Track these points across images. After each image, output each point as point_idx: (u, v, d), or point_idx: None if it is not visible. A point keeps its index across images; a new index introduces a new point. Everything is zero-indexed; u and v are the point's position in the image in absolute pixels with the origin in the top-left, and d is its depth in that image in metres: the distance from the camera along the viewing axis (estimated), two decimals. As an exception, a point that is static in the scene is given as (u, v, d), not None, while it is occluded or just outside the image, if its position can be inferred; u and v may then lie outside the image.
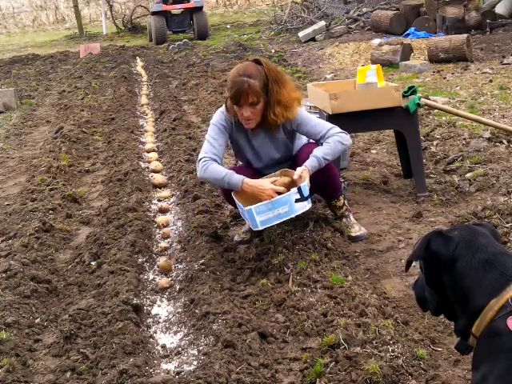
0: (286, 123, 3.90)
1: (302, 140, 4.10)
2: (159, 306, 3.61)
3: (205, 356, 2.93)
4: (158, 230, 4.63)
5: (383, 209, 4.57)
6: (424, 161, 4.99)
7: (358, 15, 15.15)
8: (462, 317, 1.92)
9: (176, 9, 17.50)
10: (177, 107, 8.47)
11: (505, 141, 5.44)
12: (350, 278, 3.48)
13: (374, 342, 2.82)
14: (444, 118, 6.45)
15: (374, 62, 9.45)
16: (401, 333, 2.94)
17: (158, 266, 4.03)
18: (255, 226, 3.65)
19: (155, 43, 16.89)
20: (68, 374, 2.88)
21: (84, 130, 7.50)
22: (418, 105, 4.54)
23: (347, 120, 4.54)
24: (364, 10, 15.42)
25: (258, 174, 4.06)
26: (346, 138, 3.89)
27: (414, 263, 2.12)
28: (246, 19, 22.11)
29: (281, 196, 3.56)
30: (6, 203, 5.33)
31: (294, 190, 3.60)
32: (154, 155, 6.37)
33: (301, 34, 14.14)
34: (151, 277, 3.94)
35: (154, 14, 17.34)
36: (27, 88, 11.37)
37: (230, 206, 4.78)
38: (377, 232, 4.20)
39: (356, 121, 4.58)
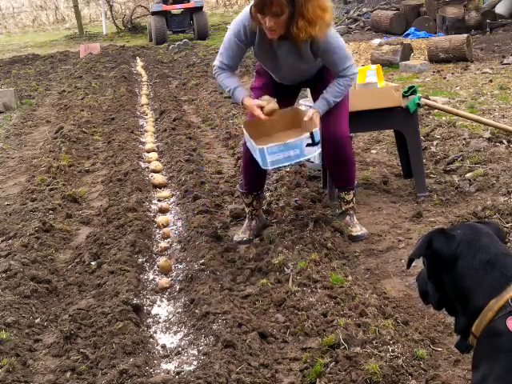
0: (314, 45, 3.80)
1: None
2: (159, 305, 3.61)
3: (205, 356, 2.93)
4: (157, 230, 4.63)
5: (383, 209, 4.57)
6: (424, 161, 4.99)
7: (358, 15, 15.16)
8: (462, 316, 1.92)
9: (176, 9, 17.50)
10: (177, 107, 8.48)
11: (505, 141, 5.44)
12: (349, 277, 3.49)
13: (374, 342, 2.82)
14: (444, 118, 6.45)
15: (374, 62, 9.44)
16: (401, 333, 2.94)
17: (157, 266, 4.03)
18: (265, 166, 3.68)
19: (155, 43, 16.89)
20: (68, 374, 2.88)
21: (84, 130, 7.50)
22: (418, 105, 4.54)
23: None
24: (364, 9, 15.42)
25: (275, 94, 3.97)
26: (355, 79, 3.99)
27: (414, 262, 2.12)
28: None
29: (293, 140, 3.58)
30: (6, 203, 5.33)
31: (307, 134, 3.61)
32: (153, 155, 6.37)
33: (301, 33, 14.12)
34: (151, 277, 3.94)
35: (154, 13, 17.34)
36: (27, 88, 11.37)
37: (230, 206, 4.78)
38: (377, 232, 4.20)
39: (356, 121, 4.57)
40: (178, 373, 2.88)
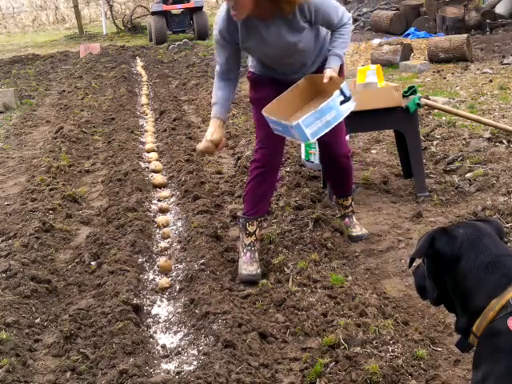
0: (304, 12, 3.45)
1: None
2: (159, 306, 3.61)
3: (205, 356, 2.93)
4: (157, 230, 4.63)
5: (383, 209, 4.57)
6: (424, 161, 4.99)
7: (358, 15, 15.16)
8: (463, 315, 1.92)
9: (176, 9, 17.51)
10: (177, 107, 8.48)
11: (505, 141, 5.44)
12: (349, 278, 3.49)
13: (374, 342, 2.82)
14: (444, 117, 6.45)
15: (374, 62, 9.44)
16: (401, 333, 2.94)
17: (157, 266, 4.03)
18: (306, 139, 3.41)
19: (155, 43, 16.90)
20: (68, 374, 2.88)
21: (84, 130, 7.50)
22: (418, 105, 4.54)
23: (347, 120, 4.53)
24: (364, 10, 15.43)
25: (277, 92, 3.68)
26: (351, 21, 3.72)
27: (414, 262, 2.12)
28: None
29: (326, 102, 3.31)
30: (6, 203, 5.33)
31: (337, 92, 3.33)
32: (153, 155, 6.37)
33: (301, 34, 14.13)
34: (151, 277, 3.94)
35: (154, 13, 17.35)
36: (27, 88, 11.37)
37: (230, 206, 4.78)
38: (377, 232, 4.20)
39: (356, 121, 4.57)
40: (178, 373, 2.88)
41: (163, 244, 4.35)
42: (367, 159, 5.69)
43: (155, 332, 3.33)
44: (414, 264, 2.10)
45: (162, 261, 4.04)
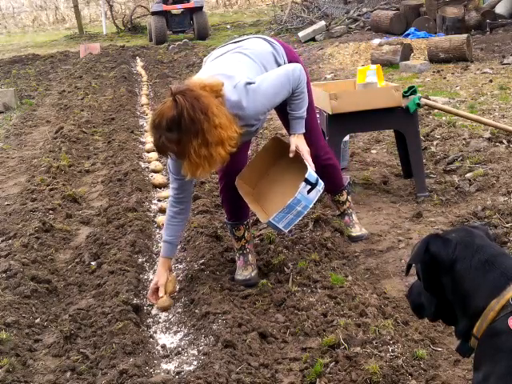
0: (250, 123, 3.32)
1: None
2: (159, 305, 3.61)
3: (205, 356, 2.93)
4: (157, 230, 4.63)
5: (383, 209, 4.57)
6: (424, 161, 4.99)
7: (358, 15, 15.15)
8: (463, 318, 1.91)
9: (176, 9, 17.50)
10: (177, 107, 8.46)
11: (505, 141, 5.44)
12: (349, 278, 3.49)
13: (374, 342, 2.82)
14: (444, 118, 6.45)
15: (374, 62, 9.44)
16: (401, 333, 2.94)
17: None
18: (281, 231, 3.55)
19: (155, 43, 16.89)
20: (68, 374, 2.88)
21: (84, 130, 7.50)
22: (418, 105, 4.54)
23: (347, 120, 4.54)
24: (364, 10, 15.42)
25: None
26: (301, 78, 3.37)
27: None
28: (246, 19, 22.11)
29: (293, 198, 3.32)
30: (6, 203, 5.33)
31: (303, 184, 3.33)
32: (153, 155, 6.36)
33: (301, 34, 14.14)
34: (151, 277, 3.94)
35: (154, 13, 17.34)
36: (27, 88, 11.37)
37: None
38: (377, 232, 4.20)
39: (356, 121, 4.58)
40: (178, 373, 2.88)
41: (163, 244, 4.34)
42: (367, 159, 5.69)
43: (155, 332, 3.33)
44: (411, 271, 2.10)
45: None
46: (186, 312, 3.44)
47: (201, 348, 3.03)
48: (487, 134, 5.61)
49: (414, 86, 4.72)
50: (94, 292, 3.60)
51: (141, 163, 6.18)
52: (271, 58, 3.49)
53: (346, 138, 5.14)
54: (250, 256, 3.71)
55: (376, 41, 11.60)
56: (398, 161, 5.25)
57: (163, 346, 3.16)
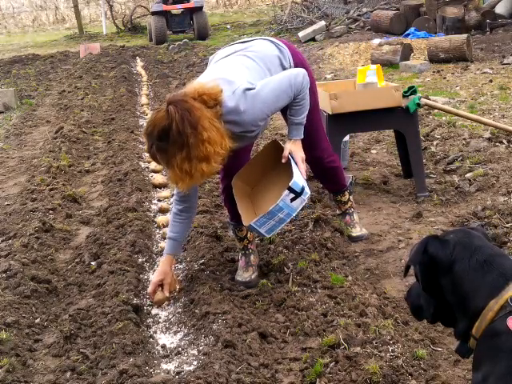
0: (249, 131, 3.30)
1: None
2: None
3: (205, 356, 2.93)
4: (158, 230, 4.63)
5: (383, 209, 4.57)
6: (424, 161, 4.99)
7: (358, 15, 15.15)
8: (462, 319, 1.91)
9: (176, 9, 17.49)
10: (177, 107, 8.46)
11: (505, 141, 5.44)
12: (349, 278, 3.49)
13: (374, 342, 2.82)
14: (444, 117, 6.45)
15: (374, 62, 9.44)
16: (401, 333, 2.94)
17: (157, 266, 4.03)
18: (263, 236, 3.54)
19: (155, 43, 16.89)
20: (68, 374, 2.88)
21: (84, 130, 7.50)
22: (418, 105, 4.54)
23: (347, 120, 4.54)
24: (364, 10, 15.42)
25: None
26: (304, 84, 3.35)
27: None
28: (246, 19, 22.11)
29: (275, 205, 3.28)
30: (6, 203, 5.33)
31: (286, 192, 3.26)
32: (154, 155, 6.36)
33: (301, 34, 14.14)
34: (151, 277, 3.94)
35: (154, 13, 17.34)
36: (27, 88, 11.37)
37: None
38: (377, 232, 4.20)
39: (356, 121, 4.58)
40: (178, 373, 2.88)
41: (163, 244, 4.34)
42: (367, 159, 5.69)
43: (155, 332, 3.33)
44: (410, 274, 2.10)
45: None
46: (185, 312, 3.44)
47: (201, 348, 3.03)
48: (487, 134, 5.61)
49: (413, 86, 4.72)
50: (93, 292, 3.60)
51: (141, 163, 6.18)
52: (277, 61, 3.47)
53: (346, 137, 5.14)
54: (251, 257, 3.71)
55: (376, 41, 11.60)
56: (398, 161, 5.25)
57: (163, 346, 3.16)
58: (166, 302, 3.57)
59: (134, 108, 8.92)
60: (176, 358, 3.05)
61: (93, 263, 4.01)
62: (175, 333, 3.30)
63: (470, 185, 4.67)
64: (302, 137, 3.47)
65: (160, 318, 3.47)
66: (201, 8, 17.39)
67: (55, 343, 3.13)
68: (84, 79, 11.25)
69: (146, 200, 5.16)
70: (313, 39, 13.89)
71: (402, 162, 5.06)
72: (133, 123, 7.81)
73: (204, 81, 3.27)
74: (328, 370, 2.70)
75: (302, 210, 4.19)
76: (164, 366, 2.99)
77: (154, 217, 4.88)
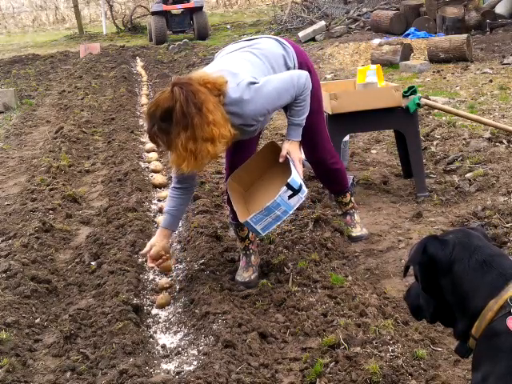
0: (249, 125, 3.31)
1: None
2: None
3: (205, 356, 2.93)
4: (157, 230, 4.63)
5: (383, 209, 4.57)
6: (424, 161, 4.99)
7: (358, 15, 15.15)
8: (462, 319, 1.91)
9: (176, 9, 17.49)
10: (177, 107, 8.45)
11: (505, 141, 5.44)
12: (349, 278, 3.49)
13: (374, 342, 2.82)
14: (444, 117, 6.45)
15: (374, 62, 9.44)
16: (401, 333, 2.94)
17: (157, 266, 4.03)
18: (258, 234, 3.49)
19: (155, 43, 16.89)
20: (68, 374, 2.88)
21: (84, 130, 7.50)
22: (418, 105, 4.54)
23: (347, 120, 4.55)
24: (364, 10, 15.42)
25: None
26: (307, 85, 3.37)
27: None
28: (246, 19, 22.11)
29: (272, 201, 3.28)
30: (6, 203, 5.33)
31: (284, 188, 3.26)
32: (153, 155, 6.37)
33: (301, 34, 14.14)
34: (151, 277, 3.94)
35: (154, 13, 17.34)
36: (27, 88, 11.37)
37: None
38: (377, 232, 4.20)
39: (356, 121, 4.58)
40: (178, 373, 2.88)
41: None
42: (367, 159, 5.69)
43: (155, 332, 3.33)
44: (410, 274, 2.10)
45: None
46: (185, 312, 3.44)
47: (201, 348, 3.03)
48: (487, 134, 5.61)
49: (413, 86, 4.72)
50: (93, 292, 3.60)
51: (141, 163, 6.18)
52: (281, 60, 3.48)
53: (346, 137, 5.14)
54: (252, 257, 3.71)
55: (376, 41, 11.60)
56: (398, 161, 5.25)
57: (163, 346, 3.16)
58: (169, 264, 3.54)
59: (134, 108, 8.92)
60: (176, 358, 3.05)
61: (93, 263, 4.01)
62: (175, 333, 3.30)
63: (470, 185, 4.67)
64: (300, 139, 3.47)
65: (160, 318, 3.47)
66: (201, 8, 17.39)
67: (55, 343, 3.13)
68: (84, 79, 11.25)
69: (146, 200, 5.16)
70: (313, 39, 13.90)
71: (402, 162, 5.06)
72: (133, 123, 7.81)
73: (209, 71, 3.30)
74: (328, 370, 2.70)
75: (298, 209, 4.14)
76: (164, 366, 3.00)
77: (154, 217, 4.88)
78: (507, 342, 1.73)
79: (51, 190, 5.40)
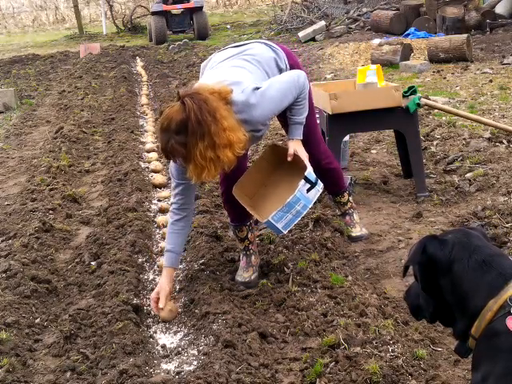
0: (255, 131, 3.32)
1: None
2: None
3: (205, 356, 2.93)
4: (158, 230, 4.63)
5: (383, 209, 4.57)
6: (424, 161, 4.99)
7: (358, 15, 15.15)
8: (461, 319, 1.91)
9: (176, 9, 17.49)
10: (177, 107, 8.45)
11: (505, 141, 5.44)
12: (350, 278, 3.49)
13: (374, 342, 2.82)
14: (444, 117, 6.45)
15: (374, 62, 9.44)
16: (401, 333, 2.94)
17: (157, 266, 4.03)
18: (280, 233, 3.48)
19: (155, 43, 16.89)
20: (68, 374, 2.88)
21: (84, 130, 7.50)
22: (418, 105, 4.55)
23: (347, 120, 4.55)
24: (364, 9, 15.42)
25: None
26: (305, 85, 3.41)
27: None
28: (245, 19, 22.10)
29: (293, 196, 3.31)
30: (6, 203, 5.34)
31: (302, 182, 3.32)
32: (154, 155, 6.37)
33: (301, 34, 14.14)
34: (151, 277, 3.94)
35: (154, 13, 17.33)
36: (27, 88, 11.37)
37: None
38: (377, 232, 4.20)
39: (356, 121, 4.58)
40: (178, 373, 2.88)
41: (163, 244, 4.34)
42: (367, 159, 5.69)
43: (155, 332, 3.33)
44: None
45: (162, 261, 3.94)
46: (186, 312, 3.44)
47: (201, 348, 3.04)
48: (487, 134, 5.61)
49: (413, 86, 4.72)
50: (93, 292, 3.60)
51: (141, 163, 6.18)
52: (273, 63, 3.50)
53: (346, 137, 5.14)
54: (252, 257, 3.71)
55: (376, 41, 11.59)
56: (398, 161, 5.25)
57: (163, 346, 3.16)
58: (171, 314, 3.43)
59: (134, 108, 8.92)
60: (176, 358, 3.05)
61: (93, 263, 4.01)
62: (175, 333, 3.30)
63: (470, 185, 4.67)
64: (302, 137, 3.51)
65: (160, 318, 3.47)
66: (201, 8, 17.38)
67: (55, 343, 3.13)
68: (84, 79, 11.24)
69: (146, 200, 5.16)
70: (313, 39, 13.89)
71: (402, 162, 5.06)
72: (133, 123, 7.81)
73: (210, 83, 3.26)
74: (328, 370, 2.70)
75: (315, 202, 4.07)
76: (164, 366, 3.00)
77: (154, 217, 4.88)
78: (507, 341, 1.73)
79: (51, 190, 5.40)
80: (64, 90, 10.47)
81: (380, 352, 2.75)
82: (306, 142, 3.56)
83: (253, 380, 2.69)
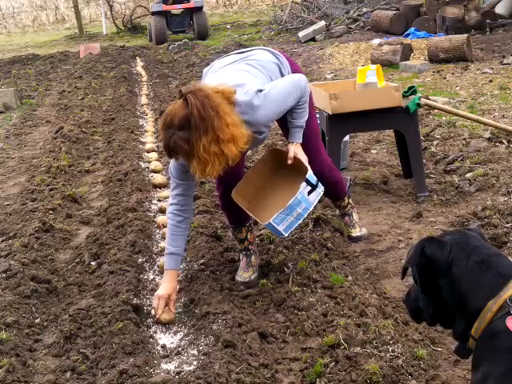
0: (257, 133, 3.33)
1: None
2: (159, 306, 3.60)
3: (205, 356, 2.93)
4: (157, 230, 4.63)
5: (383, 209, 4.57)
6: (424, 161, 4.99)
7: (358, 15, 15.16)
8: (461, 320, 1.91)
9: (176, 9, 17.49)
10: (177, 107, 8.45)
11: (505, 141, 5.44)
12: (350, 278, 3.49)
13: (374, 342, 2.82)
14: (444, 117, 6.45)
15: (374, 62, 9.44)
16: (401, 333, 2.94)
17: (157, 266, 4.03)
18: (281, 235, 3.48)
19: (155, 43, 16.89)
20: (68, 374, 2.88)
21: (84, 130, 7.50)
22: (418, 105, 4.54)
23: (347, 120, 4.54)
24: (364, 10, 15.42)
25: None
26: (306, 89, 3.43)
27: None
28: (245, 19, 22.10)
29: (294, 198, 3.31)
30: (6, 203, 5.34)
31: (303, 184, 3.33)
32: (153, 155, 6.37)
33: (301, 34, 14.14)
34: (151, 277, 3.94)
35: (154, 14, 17.34)
36: (27, 88, 11.37)
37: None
38: (377, 232, 4.20)
39: (356, 121, 4.58)
40: (178, 373, 2.88)
41: (163, 244, 4.34)
42: (367, 159, 5.70)
43: (155, 332, 3.33)
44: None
45: (161, 261, 3.96)
46: (186, 312, 3.44)
47: (201, 348, 3.04)
48: (487, 134, 5.61)
49: (413, 86, 4.72)
50: (93, 292, 3.60)
51: (141, 163, 6.18)
52: (276, 69, 3.50)
53: (346, 137, 5.14)
54: (253, 257, 3.71)
55: (376, 41, 11.60)
56: (398, 161, 5.25)
57: (163, 346, 3.16)
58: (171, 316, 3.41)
59: (134, 108, 8.92)
60: (176, 358, 3.05)
61: (93, 263, 4.01)
62: (175, 333, 3.30)
63: (470, 185, 4.67)
64: (301, 141, 3.51)
65: (159, 320, 3.47)
66: (201, 8, 17.39)
67: (55, 343, 3.13)
68: (84, 79, 11.25)
69: (146, 200, 5.16)
70: (313, 39, 13.89)
71: (402, 161, 5.06)
72: (133, 123, 7.81)
73: (213, 84, 3.26)
74: (328, 370, 2.70)
75: (316, 205, 4.05)
76: (164, 366, 2.99)
77: (154, 217, 4.88)
78: (507, 341, 1.73)
79: (51, 190, 5.40)
80: (64, 90, 10.48)
81: (380, 352, 2.75)
82: (308, 155, 3.54)
83: (253, 380, 2.69)
